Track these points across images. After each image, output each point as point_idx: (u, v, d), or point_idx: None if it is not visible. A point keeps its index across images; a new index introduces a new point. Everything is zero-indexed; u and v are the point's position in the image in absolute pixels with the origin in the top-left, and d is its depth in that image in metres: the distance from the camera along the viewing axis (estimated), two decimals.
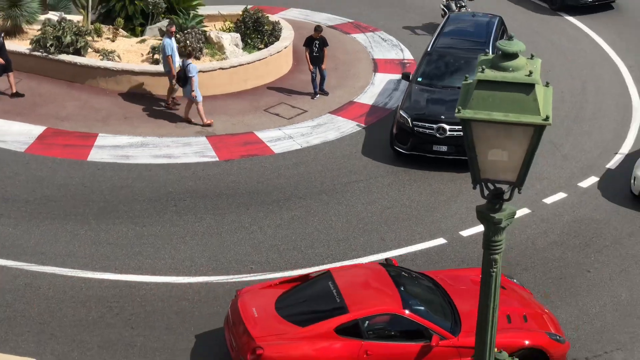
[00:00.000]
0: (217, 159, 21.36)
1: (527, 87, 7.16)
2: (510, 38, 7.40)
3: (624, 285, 17.09)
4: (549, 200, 19.88)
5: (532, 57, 7.53)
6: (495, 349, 13.78)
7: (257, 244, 18.13)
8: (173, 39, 23.06)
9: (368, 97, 24.73)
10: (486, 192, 7.72)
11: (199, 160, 21.26)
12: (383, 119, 23.26)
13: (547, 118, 7.12)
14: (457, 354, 13.84)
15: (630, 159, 21.38)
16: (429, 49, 23.33)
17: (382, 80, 25.71)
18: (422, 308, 14.19)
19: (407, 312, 13.87)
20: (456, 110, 7.24)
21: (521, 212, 19.25)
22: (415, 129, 20.99)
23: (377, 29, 29.37)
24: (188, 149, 21.73)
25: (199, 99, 22.42)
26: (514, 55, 7.28)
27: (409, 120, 21.09)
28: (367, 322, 13.79)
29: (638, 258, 17.89)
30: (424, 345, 13.76)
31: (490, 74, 7.23)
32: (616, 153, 21.93)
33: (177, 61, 22.90)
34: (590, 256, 17.93)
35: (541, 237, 18.52)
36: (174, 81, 22.96)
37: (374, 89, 25.16)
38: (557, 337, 14.46)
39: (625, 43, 28.31)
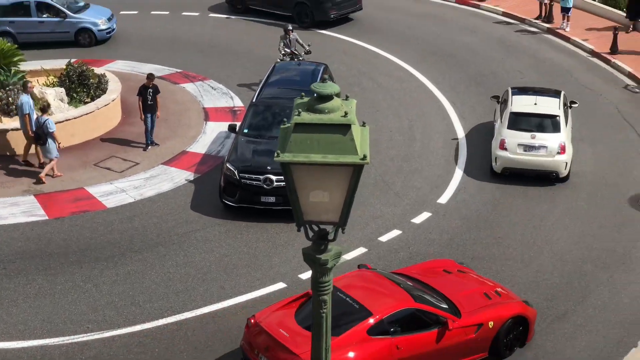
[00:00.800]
0: (46, 217, 20.77)
1: (344, 128, 7.23)
2: (324, 80, 7.48)
3: None
4: (384, 238, 20.19)
5: (347, 98, 7.62)
6: (492, 322, 15.40)
7: (92, 302, 17.66)
8: (29, 95, 22.55)
9: (200, 146, 24.60)
10: (311, 234, 7.76)
11: (28, 219, 20.62)
12: (216, 168, 23.14)
13: (364, 157, 7.21)
14: (464, 333, 15.46)
15: (460, 193, 22.07)
16: (254, 100, 23.27)
17: (213, 128, 25.65)
18: (428, 299, 15.66)
19: (419, 304, 15.29)
20: (275, 155, 7.25)
21: (358, 252, 19.50)
22: (242, 181, 20.89)
23: (206, 78, 29.33)
24: (15, 209, 21.05)
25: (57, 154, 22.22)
26: (328, 97, 7.35)
27: (236, 172, 20.99)
28: (390, 320, 14.94)
29: None
30: (440, 330, 15.24)
31: (306, 117, 7.27)
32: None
33: (34, 118, 22.37)
34: None
35: None
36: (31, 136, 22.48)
37: (206, 138, 25.06)
38: (529, 303, 16.59)
39: (447, 81, 29.24)
